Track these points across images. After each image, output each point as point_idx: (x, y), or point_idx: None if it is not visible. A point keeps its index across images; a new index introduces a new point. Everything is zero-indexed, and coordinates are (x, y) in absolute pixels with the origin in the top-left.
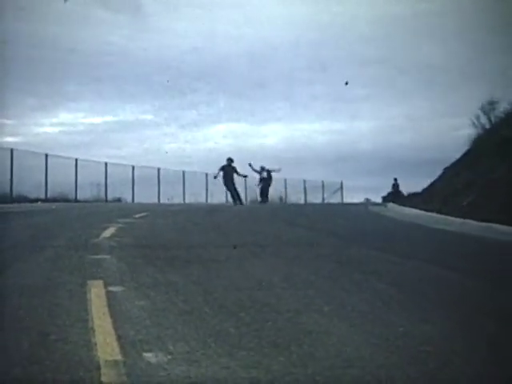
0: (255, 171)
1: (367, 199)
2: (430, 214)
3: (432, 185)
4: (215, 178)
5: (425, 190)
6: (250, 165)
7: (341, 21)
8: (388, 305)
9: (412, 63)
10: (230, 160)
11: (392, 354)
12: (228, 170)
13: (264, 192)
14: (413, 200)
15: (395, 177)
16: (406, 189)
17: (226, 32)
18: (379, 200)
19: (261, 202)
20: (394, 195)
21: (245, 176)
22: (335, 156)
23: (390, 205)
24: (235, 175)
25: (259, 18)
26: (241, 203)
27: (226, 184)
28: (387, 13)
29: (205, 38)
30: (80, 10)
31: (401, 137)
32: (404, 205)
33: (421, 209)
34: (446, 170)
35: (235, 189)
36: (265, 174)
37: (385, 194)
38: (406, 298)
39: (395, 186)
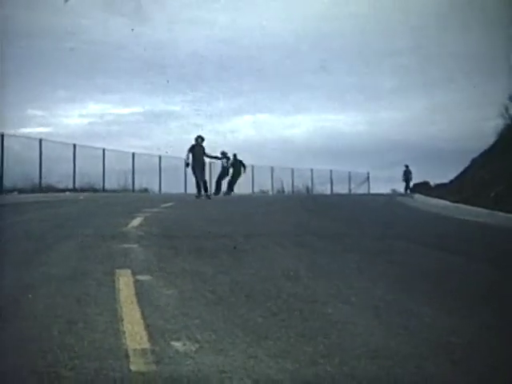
0: (216, 158)
1: (394, 190)
2: (456, 204)
3: (459, 176)
4: (188, 165)
5: (452, 181)
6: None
7: (367, 11)
8: (414, 295)
9: (440, 53)
10: (201, 138)
11: (418, 345)
12: (198, 150)
13: (231, 181)
14: (440, 191)
15: (406, 163)
16: (433, 180)
17: (251, 23)
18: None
19: (225, 193)
20: (406, 182)
21: (217, 157)
22: (362, 147)
23: (417, 196)
24: (206, 158)
25: (284, 10)
26: (207, 196)
27: (193, 168)
28: (414, 2)
29: (231, 30)
30: (107, 2)
31: (428, 127)
32: (431, 195)
33: (448, 200)
34: (474, 160)
35: (203, 176)
36: (224, 162)
37: (411, 184)
38: (433, 289)
39: (406, 172)
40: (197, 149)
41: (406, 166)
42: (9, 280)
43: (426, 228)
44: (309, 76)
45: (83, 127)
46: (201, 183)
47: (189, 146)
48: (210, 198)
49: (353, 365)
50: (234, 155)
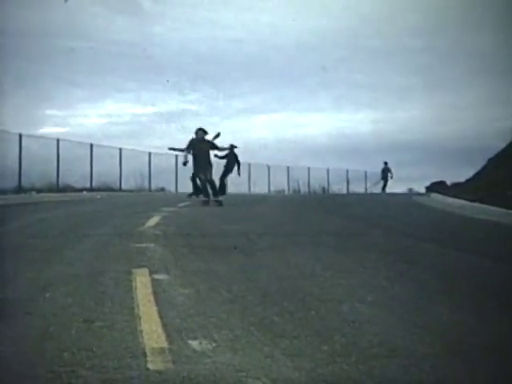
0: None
1: (410, 189)
2: (473, 204)
3: (476, 175)
4: (185, 164)
5: (468, 180)
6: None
7: (385, 11)
8: (431, 295)
9: (455, 52)
10: (202, 131)
11: (435, 344)
12: (199, 146)
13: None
14: (456, 190)
15: (385, 160)
16: (449, 179)
17: (265, 22)
18: (422, 190)
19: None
20: (384, 180)
21: (227, 148)
22: (378, 146)
23: (434, 195)
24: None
25: (297, 8)
26: (218, 201)
27: (195, 169)
28: (428, 1)
29: (247, 29)
30: (123, 1)
31: (445, 126)
32: (447, 195)
33: (464, 199)
34: (490, 160)
35: (208, 175)
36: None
37: (428, 183)
38: (449, 289)
39: (385, 170)
40: (198, 144)
41: (385, 163)
42: (27, 279)
43: (443, 227)
44: (323, 75)
45: (100, 127)
46: (207, 185)
47: (187, 142)
48: (221, 204)
49: (369, 364)
50: (231, 146)
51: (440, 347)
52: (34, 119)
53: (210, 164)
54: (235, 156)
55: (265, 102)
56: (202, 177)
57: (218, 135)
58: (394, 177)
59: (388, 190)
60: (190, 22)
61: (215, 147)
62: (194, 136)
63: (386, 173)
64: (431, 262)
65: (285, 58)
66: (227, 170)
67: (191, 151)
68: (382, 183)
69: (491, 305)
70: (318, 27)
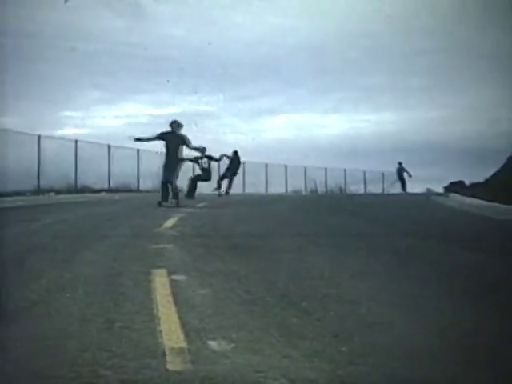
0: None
1: (428, 189)
2: (492, 204)
3: (495, 175)
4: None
5: (487, 180)
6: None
7: (398, 11)
8: (451, 297)
9: (472, 52)
10: (176, 124)
11: (454, 346)
12: (172, 140)
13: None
14: (475, 190)
15: (400, 161)
16: (468, 179)
17: (284, 24)
18: (441, 190)
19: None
20: (401, 181)
21: (199, 152)
22: (395, 146)
23: (452, 195)
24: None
25: (314, 10)
26: (176, 202)
27: (165, 165)
28: (446, 2)
29: (264, 31)
30: (140, 4)
31: (462, 126)
32: (466, 195)
33: (483, 199)
34: (510, 159)
35: (172, 175)
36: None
37: (446, 184)
38: (471, 291)
39: (400, 170)
40: (171, 138)
41: (399, 164)
42: (47, 279)
43: (462, 228)
44: (341, 76)
45: (119, 128)
46: (169, 185)
47: (159, 132)
48: (178, 206)
49: (388, 365)
50: (235, 152)
51: (459, 349)
52: (54, 121)
53: (178, 162)
54: (239, 160)
55: (283, 103)
56: (168, 176)
57: (202, 150)
58: (412, 175)
59: (406, 190)
60: (208, 23)
61: (187, 144)
62: (168, 129)
63: (401, 173)
64: (449, 262)
65: (302, 60)
66: (231, 173)
67: (164, 142)
68: (399, 184)
69: None
70: (332, 28)
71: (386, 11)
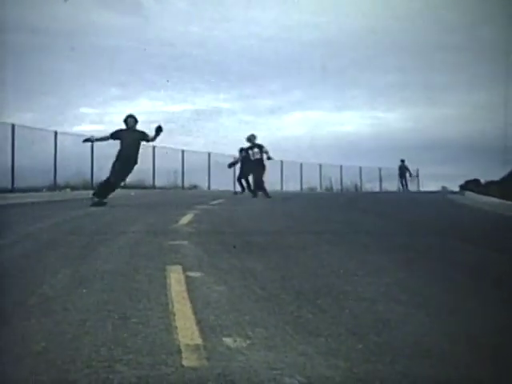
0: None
1: (444, 187)
2: (509, 202)
3: (511, 173)
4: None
5: (504, 179)
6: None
7: (417, 7)
8: (467, 295)
9: (491, 49)
10: (133, 119)
11: (470, 345)
12: (129, 137)
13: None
14: (491, 188)
15: (402, 158)
16: (484, 177)
17: (300, 21)
18: (456, 188)
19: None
20: (402, 178)
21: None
22: (411, 143)
23: (468, 193)
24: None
25: (330, 6)
26: (99, 202)
27: (117, 161)
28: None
29: (280, 27)
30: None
31: (479, 124)
32: (482, 193)
33: (499, 197)
34: None
35: (122, 174)
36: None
37: (462, 182)
38: (486, 290)
39: (402, 167)
40: (126, 135)
41: (402, 161)
42: (64, 275)
43: (479, 227)
44: (357, 73)
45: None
46: (114, 182)
47: (113, 131)
48: (102, 205)
49: (404, 363)
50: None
51: (475, 348)
52: (71, 117)
53: (135, 161)
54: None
55: (298, 99)
56: (119, 174)
57: (158, 129)
58: (412, 175)
59: (422, 188)
60: (226, 19)
61: (146, 137)
62: (123, 126)
63: (403, 170)
64: (466, 261)
65: (318, 56)
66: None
67: (119, 141)
68: (400, 181)
69: None
70: (351, 24)
71: (406, 7)
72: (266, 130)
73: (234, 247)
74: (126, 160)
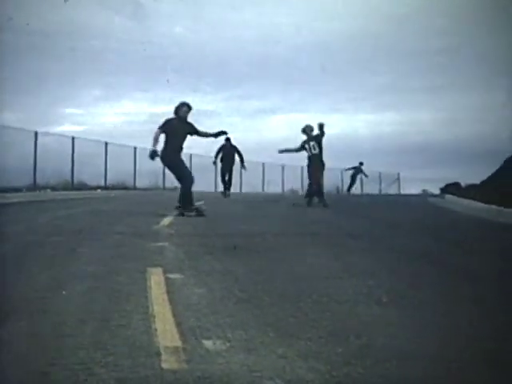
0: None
1: (424, 190)
2: (489, 206)
3: (491, 177)
4: (153, 157)
5: (484, 182)
6: None
7: (407, 11)
8: (449, 298)
9: (474, 53)
10: (187, 107)
11: (452, 348)
12: (178, 127)
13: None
14: (471, 192)
15: (361, 161)
16: (464, 180)
17: (284, 23)
18: (437, 191)
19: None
20: (352, 180)
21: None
22: (393, 147)
23: (448, 196)
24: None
25: (317, 9)
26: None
27: (165, 158)
28: (450, 3)
29: (265, 29)
30: (140, 2)
31: (460, 127)
32: (462, 196)
33: (480, 201)
34: (507, 161)
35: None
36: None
37: (443, 185)
38: (469, 292)
39: (356, 169)
40: (176, 124)
41: (360, 164)
42: (43, 277)
43: (459, 229)
44: (342, 76)
45: (118, 126)
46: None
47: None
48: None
49: (385, 366)
50: (227, 139)
51: (457, 351)
52: (54, 118)
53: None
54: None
55: (283, 102)
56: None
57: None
58: (368, 176)
59: (402, 191)
60: (209, 22)
61: (197, 132)
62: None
63: (357, 172)
64: (449, 263)
65: (304, 59)
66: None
67: (165, 134)
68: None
69: None
70: (339, 28)
71: (396, 11)
72: (251, 132)
73: (235, 248)
74: (171, 152)
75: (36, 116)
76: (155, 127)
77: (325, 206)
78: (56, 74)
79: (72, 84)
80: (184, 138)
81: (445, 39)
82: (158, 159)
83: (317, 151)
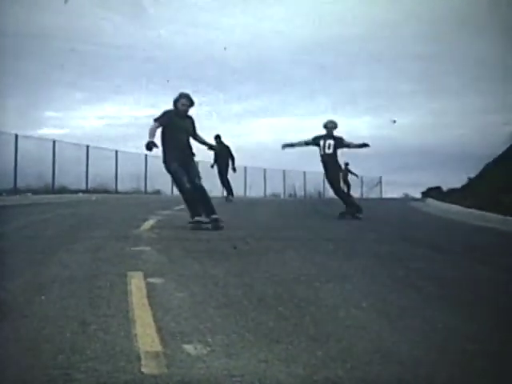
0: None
1: (406, 194)
2: (469, 210)
3: (472, 181)
4: (151, 148)
5: (464, 186)
6: None
7: (388, 17)
8: (428, 301)
9: (457, 58)
10: (188, 99)
11: (431, 351)
12: (178, 123)
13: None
14: (452, 196)
15: (347, 162)
16: (445, 184)
17: (266, 27)
18: (418, 195)
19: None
20: (345, 181)
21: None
22: (375, 151)
23: (429, 200)
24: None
25: (300, 14)
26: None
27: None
28: (435, 8)
29: (247, 33)
30: (127, 4)
31: (442, 132)
32: (443, 200)
33: (460, 205)
34: (488, 166)
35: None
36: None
37: (424, 189)
38: (448, 295)
39: (343, 170)
40: (176, 119)
41: (346, 164)
42: (22, 281)
43: (441, 233)
44: (325, 80)
45: (99, 129)
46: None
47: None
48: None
49: (364, 370)
50: (217, 136)
51: (436, 354)
52: (34, 120)
53: (192, 154)
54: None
55: (265, 106)
56: (185, 177)
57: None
58: (358, 176)
59: (384, 195)
60: (191, 24)
61: (194, 134)
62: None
63: (346, 175)
64: (427, 267)
65: (286, 63)
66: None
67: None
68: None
69: (489, 312)
70: (320, 33)
71: (378, 16)
72: (232, 136)
73: (235, 248)
74: (175, 150)
75: (15, 119)
76: (138, 130)
77: (358, 215)
78: (34, 76)
79: (52, 86)
80: (188, 135)
81: (428, 45)
82: (155, 149)
83: (331, 151)
